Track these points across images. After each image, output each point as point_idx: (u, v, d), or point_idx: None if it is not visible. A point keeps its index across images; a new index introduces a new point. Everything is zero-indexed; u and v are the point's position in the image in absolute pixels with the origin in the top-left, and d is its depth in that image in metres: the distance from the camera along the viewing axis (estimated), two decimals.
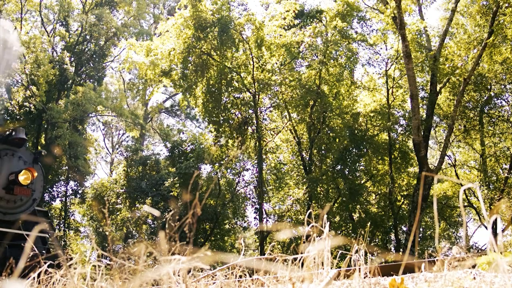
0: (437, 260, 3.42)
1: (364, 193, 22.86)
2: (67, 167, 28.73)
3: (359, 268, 2.99)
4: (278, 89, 22.29)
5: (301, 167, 23.78)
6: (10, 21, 27.67)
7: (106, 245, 23.50)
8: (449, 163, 27.01)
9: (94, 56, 31.23)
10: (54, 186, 29.17)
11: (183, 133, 32.38)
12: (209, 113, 22.30)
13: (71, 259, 3.06)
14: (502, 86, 24.34)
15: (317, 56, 22.55)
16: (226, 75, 21.66)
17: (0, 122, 11.12)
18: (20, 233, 9.74)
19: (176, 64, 21.74)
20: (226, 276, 3.53)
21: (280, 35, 21.75)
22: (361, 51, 24.65)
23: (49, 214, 11.55)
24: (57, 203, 29.99)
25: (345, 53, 22.95)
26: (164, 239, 2.28)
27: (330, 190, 22.84)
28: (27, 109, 27.05)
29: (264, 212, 23.12)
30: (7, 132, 10.37)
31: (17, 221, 10.27)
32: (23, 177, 10.04)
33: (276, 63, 22.24)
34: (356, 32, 24.18)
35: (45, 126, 27.93)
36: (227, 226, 24.49)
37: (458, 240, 26.78)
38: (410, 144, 22.25)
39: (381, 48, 24.80)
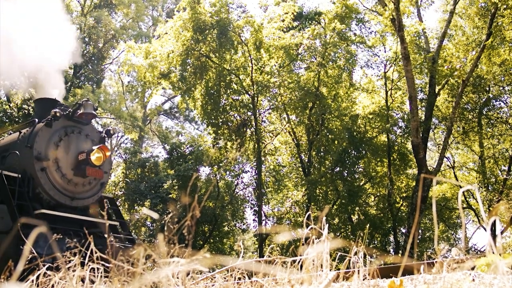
0: (436, 262, 3.42)
1: (363, 195, 22.88)
2: None
3: (358, 270, 2.98)
4: (277, 91, 22.30)
5: (300, 169, 23.78)
6: None
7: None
8: (448, 165, 27.02)
9: (93, 58, 31.23)
10: None
11: (182, 135, 32.35)
12: (208, 115, 22.29)
13: (70, 261, 3.06)
14: (501, 88, 24.38)
15: (315, 58, 22.57)
16: (225, 77, 21.66)
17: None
18: (91, 221, 8.70)
19: (175, 66, 21.74)
20: (225, 278, 3.53)
21: (279, 37, 21.76)
22: (359, 53, 24.73)
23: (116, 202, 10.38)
24: None
25: (344, 55, 22.97)
26: (163, 242, 2.28)
27: (329, 192, 22.84)
28: (26, 111, 27.03)
29: (263, 214, 23.12)
30: (74, 107, 9.19)
31: (86, 208, 9.16)
32: (95, 157, 8.85)
33: (275, 65, 22.26)
34: (355, 34, 24.22)
35: None
36: (226, 228, 24.47)
37: (457, 242, 26.79)
38: (409, 146, 22.26)
39: (380, 50, 24.84)
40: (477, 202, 24.87)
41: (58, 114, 8.69)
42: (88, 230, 8.06)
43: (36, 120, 9.02)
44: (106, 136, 9.53)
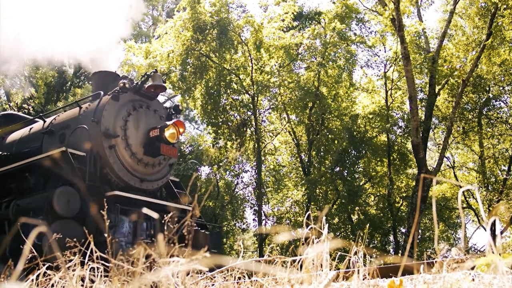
0: (436, 261, 3.42)
1: (363, 195, 22.87)
2: None
3: (358, 270, 2.98)
4: (277, 91, 22.30)
5: (300, 168, 23.78)
6: None
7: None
8: (447, 165, 27.02)
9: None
10: None
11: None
12: (208, 115, 22.29)
13: (70, 261, 3.06)
14: (501, 88, 24.38)
15: (315, 58, 22.57)
16: (225, 77, 21.66)
17: None
18: (165, 205, 7.82)
19: (175, 66, 21.73)
20: (225, 278, 3.53)
21: (279, 37, 21.76)
22: (359, 53, 24.70)
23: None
24: None
25: (344, 55, 22.97)
26: (162, 241, 2.28)
27: (329, 192, 22.83)
28: (26, 111, 27.03)
29: (263, 214, 23.11)
30: (141, 79, 8.31)
31: (154, 191, 8.30)
32: (169, 133, 7.90)
33: (275, 65, 22.25)
34: (355, 34, 24.22)
35: None
36: (226, 228, 24.48)
37: (457, 242, 26.78)
38: (409, 145, 22.26)
39: (380, 50, 24.85)
40: (477, 202, 24.87)
41: (127, 86, 7.80)
42: (164, 214, 7.48)
43: (102, 92, 8.04)
44: (174, 112, 8.72)
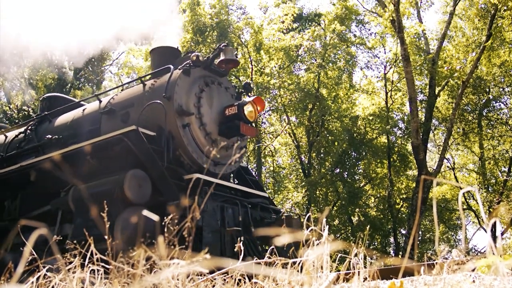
0: (436, 263, 3.41)
1: (363, 197, 22.87)
2: None
3: (358, 272, 2.98)
4: (277, 92, 22.31)
5: (300, 170, 23.78)
6: None
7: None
8: (448, 166, 27.01)
9: (93, 59, 31.25)
10: None
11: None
12: None
13: (70, 263, 3.05)
14: (501, 89, 24.38)
15: (315, 60, 22.59)
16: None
17: None
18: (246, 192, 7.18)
19: None
20: (225, 280, 3.52)
21: (279, 38, 21.78)
22: (359, 55, 24.83)
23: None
24: None
25: (344, 57, 22.99)
26: (163, 244, 2.27)
27: (329, 194, 22.83)
28: (26, 113, 27.04)
29: None
30: (212, 53, 7.55)
31: (226, 176, 7.53)
32: (248, 111, 7.11)
33: (275, 67, 22.27)
34: (355, 36, 24.25)
35: None
36: None
37: (457, 243, 26.77)
38: (409, 147, 22.26)
39: (380, 52, 24.88)
40: (477, 203, 24.85)
41: (201, 59, 7.07)
42: (250, 200, 6.90)
43: (172, 66, 7.22)
44: (243, 91, 7.99)
